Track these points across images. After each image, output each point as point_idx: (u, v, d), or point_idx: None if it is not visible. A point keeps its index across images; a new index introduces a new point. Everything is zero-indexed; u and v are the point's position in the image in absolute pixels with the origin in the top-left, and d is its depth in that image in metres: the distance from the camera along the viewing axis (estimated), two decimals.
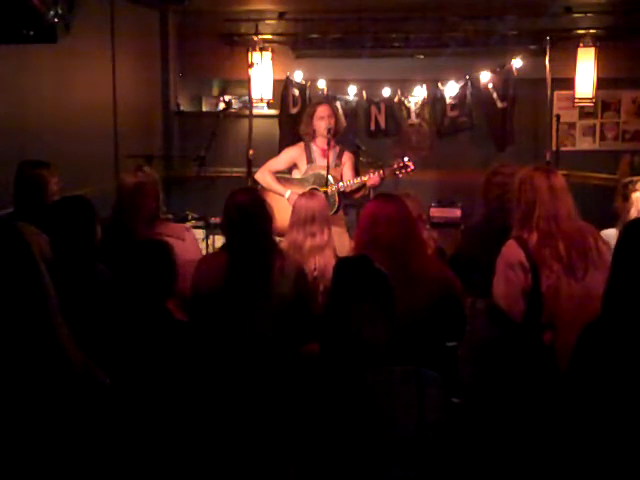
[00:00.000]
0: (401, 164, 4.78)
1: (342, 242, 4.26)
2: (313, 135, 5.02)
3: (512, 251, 2.90)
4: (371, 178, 4.78)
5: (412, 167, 4.77)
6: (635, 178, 3.73)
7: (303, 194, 3.76)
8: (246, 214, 3.07)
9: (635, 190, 3.58)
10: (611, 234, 3.49)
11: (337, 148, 5.02)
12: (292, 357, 2.94)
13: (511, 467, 2.90)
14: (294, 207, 3.66)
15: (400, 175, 4.80)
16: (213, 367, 2.63)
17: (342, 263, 2.35)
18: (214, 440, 2.56)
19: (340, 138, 5.12)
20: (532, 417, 2.84)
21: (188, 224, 5.97)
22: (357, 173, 5.10)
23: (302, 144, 5.09)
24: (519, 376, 2.93)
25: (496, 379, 3.05)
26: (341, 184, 4.86)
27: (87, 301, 2.65)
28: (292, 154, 5.13)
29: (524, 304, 2.87)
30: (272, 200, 4.80)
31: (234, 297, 2.96)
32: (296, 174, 5.08)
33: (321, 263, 3.42)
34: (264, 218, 3.11)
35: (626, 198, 3.59)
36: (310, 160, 5.01)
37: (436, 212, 6.71)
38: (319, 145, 5.00)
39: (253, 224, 3.05)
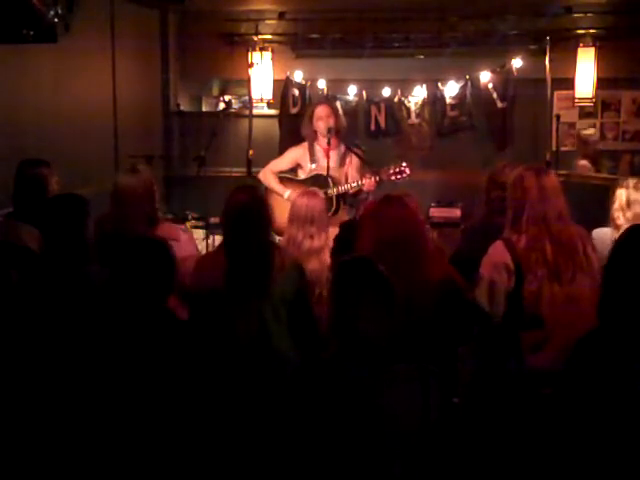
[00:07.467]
0: (397, 169, 4.75)
1: None
2: (315, 136, 5.01)
3: (498, 252, 2.91)
4: (367, 184, 4.76)
5: (408, 172, 4.73)
6: (628, 178, 3.77)
7: (304, 192, 3.76)
8: (243, 212, 3.04)
9: (620, 187, 3.62)
10: (604, 233, 3.52)
11: (342, 148, 5.00)
12: (292, 355, 2.93)
13: (509, 467, 2.90)
14: (294, 204, 3.65)
15: (396, 180, 4.77)
16: (214, 366, 2.63)
17: (344, 264, 2.34)
18: (216, 439, 2.56)
19: (341, 138, 5.11)
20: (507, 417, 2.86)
21: (188, 224, 5.98)
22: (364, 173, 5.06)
23: (306, 144, 5.09)
24: (495, 378, 2.95)
25: (483, 378, 3.06)
26: (340, 187, 4.85)
27: (78, 298, 2.64)
28: (295, 154, 5.13)
29: (506, 305, 2.88)
30: (274, 200, 4.82)
31: (233, 295, 2.95)
32: (301, 174, 5.08)
33: (317, 267, 3.41)
34: (262, 217, 3.08)
35: (613, 194, 3.64)
36: (313, 160, 5.01)
37: (436, 212, 6.71)
38: (322, 145, 4.99)
39: (250, 222, 3.02)
